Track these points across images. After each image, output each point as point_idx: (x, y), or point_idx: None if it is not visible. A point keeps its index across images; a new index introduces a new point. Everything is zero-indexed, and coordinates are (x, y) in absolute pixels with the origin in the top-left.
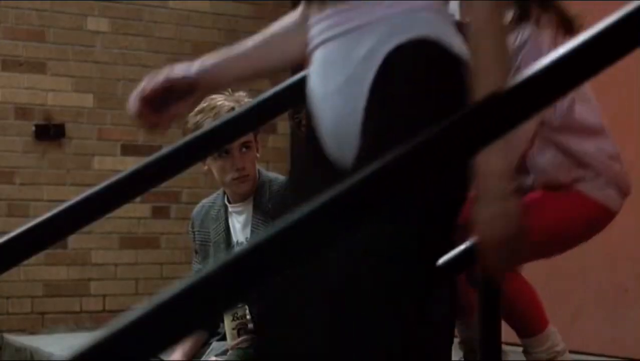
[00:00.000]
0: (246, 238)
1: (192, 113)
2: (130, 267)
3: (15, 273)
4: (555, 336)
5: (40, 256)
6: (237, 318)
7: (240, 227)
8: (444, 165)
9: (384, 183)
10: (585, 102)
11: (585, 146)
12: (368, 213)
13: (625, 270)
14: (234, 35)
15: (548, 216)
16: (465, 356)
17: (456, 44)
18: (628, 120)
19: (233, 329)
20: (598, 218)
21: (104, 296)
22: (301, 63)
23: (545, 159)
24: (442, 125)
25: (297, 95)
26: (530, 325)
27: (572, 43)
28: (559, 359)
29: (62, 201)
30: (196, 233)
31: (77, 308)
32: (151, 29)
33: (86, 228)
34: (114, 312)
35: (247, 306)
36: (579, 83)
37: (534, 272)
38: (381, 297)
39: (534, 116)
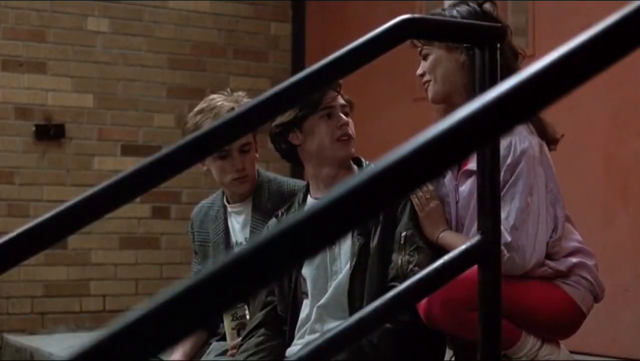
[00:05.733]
0: (245, 238)
1: (192, 114)
2: (130, 267)
3: (15, 273)
4: (531, 338)
5: (40, 256)
6: (237, 318)
7: (239, 227)
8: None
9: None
10: (568, 222)
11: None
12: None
13: (625, 270)
14: (234, 35)
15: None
16: (455, 355)
17: None
18: (628, 120)
19: (233, 329)
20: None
21: (104, 296)
22: (301, 63)
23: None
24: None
25: (297, 95)
26: (506, 339)
27: (571, 42)
28: (540, 357)
29: (62, 201)
30: (195, 233)
31: (77, 308)
32: (151, 29)
33: (86, 228)
34: (114, 312)
35: (247, 306)
36: (578, 84)
37: None
38: None
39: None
